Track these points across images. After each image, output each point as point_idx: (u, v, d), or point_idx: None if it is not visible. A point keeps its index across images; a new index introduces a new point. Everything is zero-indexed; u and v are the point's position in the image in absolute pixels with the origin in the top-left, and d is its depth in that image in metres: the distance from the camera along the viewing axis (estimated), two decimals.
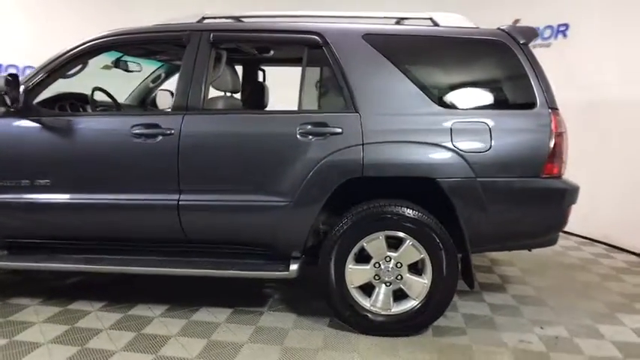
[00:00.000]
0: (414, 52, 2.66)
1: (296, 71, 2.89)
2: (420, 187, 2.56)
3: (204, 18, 2.80)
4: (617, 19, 4.45)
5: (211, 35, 2.67)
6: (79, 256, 2.77)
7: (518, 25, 2.76)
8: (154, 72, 4.04)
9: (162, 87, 4.15)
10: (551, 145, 2.49)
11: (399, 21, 2.87)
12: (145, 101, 4.08)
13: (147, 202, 2.63)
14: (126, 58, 3.50)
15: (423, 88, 2.57)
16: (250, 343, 2.52)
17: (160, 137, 2.58)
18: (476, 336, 2.66)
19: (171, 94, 4.16)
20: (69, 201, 2.66)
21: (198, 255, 2.79)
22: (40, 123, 2.67)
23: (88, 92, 3.31)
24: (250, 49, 3.25)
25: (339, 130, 2.52)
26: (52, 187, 2.65)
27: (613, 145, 4.45)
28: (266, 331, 2.67)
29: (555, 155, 2.50)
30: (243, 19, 2.93)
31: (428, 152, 2.49)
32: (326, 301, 2.67)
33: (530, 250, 2.95)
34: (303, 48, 2.69)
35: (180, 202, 2.60)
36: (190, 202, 2.61)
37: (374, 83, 2.57)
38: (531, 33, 2.64)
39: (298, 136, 2.53)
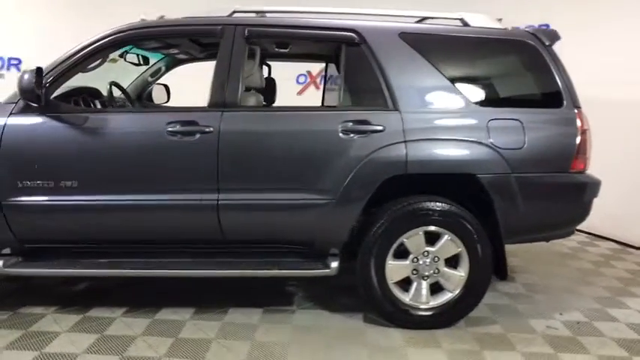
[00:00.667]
0: (448, 51, 2.72)
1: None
2: (457, 182, 2.63)
3: (234, 12, 2.71)
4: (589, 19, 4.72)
5: (246, 30, 2.60)
6: (101, 260, 2.62)
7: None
8: (152, 65, 3.88)
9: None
10: (578, 141, 2.64)
11: (422, 20, 2.92)
12: (140, 96, 3.90)
13: (184, 202, 2.53)
14: (135, 50, 3.33)
15: (459, 86, 2.64)
16: (295, 344, 2.50)
17: (198, 135, 2.49)
18: (507, 324, 2.78)
19: (167, 88, 4.07)
20: (98, 202, 2.50)
21: (225, 255, 2.72)
22: (63, 120, 2.50)
23: (96, 86, 3.13)
24: (273, 44, 3.18)
25: (381, 128, 2.54)
26: (79, 188, 2.48)
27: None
28: (304, 329, 2.66)
29: (581, 151, 2.65)
30: (268, 14, 2.87)
31: (468, 149, 2.56)
32: (365, 298, 2.69)
33: (547, 242, 3.11)
34: (339, 45, 2.69)
35: (219, 202, 2.52)
36: (230, 201, 2.53)
37: (412, 81, 2.61)
38: (554, 35, 2.77)
39: (340, 133, 2.53)
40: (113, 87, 3.15)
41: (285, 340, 2.53)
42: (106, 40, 2.57)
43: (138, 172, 2.53)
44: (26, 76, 2.28)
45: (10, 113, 2.47)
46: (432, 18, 2.85)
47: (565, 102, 2.68)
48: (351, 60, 2.66)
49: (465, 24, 2.79)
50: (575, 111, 2.67)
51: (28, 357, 2.28)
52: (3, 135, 2.45)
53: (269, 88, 3.57)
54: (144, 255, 2.68)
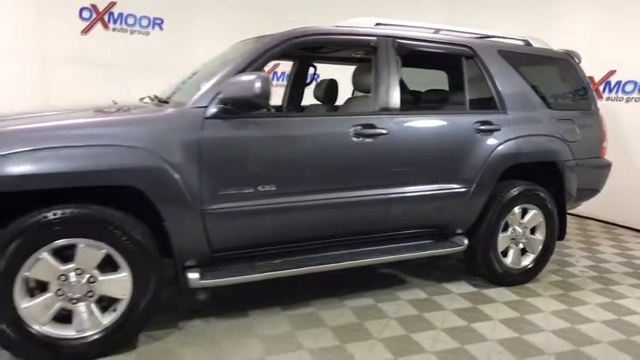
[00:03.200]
0: (527, 65, 3.44)
1: None
2: (540, 167, 3.40)
3: (378, 24, 2.98)
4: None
5: (395, 42, 2.92)
6: (275, 261, 2.68)
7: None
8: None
9: None
10: (602, 136, 3.67)
11: (486, 37, 3.58)
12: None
13: (365, 198, 2.74)
14: None
15: (537, 93, 3.40)
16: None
17: (377, 137, 2.74)
18: (562, 273, 3.71)
19: None
20: (294, 204, 2.54)
21: (371, 244, 3.01)
22: (260, 125, 2.47)
23: None
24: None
25: (499, 127, 3.15)
26: (277, 192, 2.50)
27: None
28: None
29: (604, 143, 3.69)
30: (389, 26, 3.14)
31: (552, 142, 3.35)
32: (483, 266, 3.29)
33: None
34: (458, 57, 3.20)
35: (390, 196, 2.83)
36: (398, 194, 2.85)
37: (512, 89, 3.27)
38: (579, 56, 3.75)
39: (475, 132, 3.06)
40: None
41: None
42: (284, 44, 2.59)
43: (329, 173, 2.65)
44: (258, 84, 2.23)
45: (205, 119, 2.35)
46: (504, 38, 3.53)
47: (592, 106, 3.68)
48: (470, 70, 3.19)
49: (528, 44, 3.57)
50: (599, 113, 3.69)
51: None
52: (202, 143, 2.33)
53: (332, 89, 3.82)
54: (308, 252, 2.80)
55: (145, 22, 5.83)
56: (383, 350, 2.46)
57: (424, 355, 2.44)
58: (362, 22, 2.96)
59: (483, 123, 3.11)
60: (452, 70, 3.71)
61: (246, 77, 2.27)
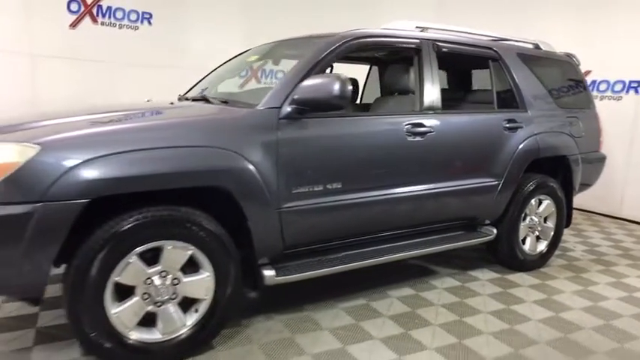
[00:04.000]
0: (539, 67, 3.71)
1: None
2: (551, 161, 3.70)
3: (417, 27, 3.13)
4: None
5: (435, 44, 3.08)
6: (337, 255, 2.78)
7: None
8: None
9: None
10: (599, 130, 4.04)
11: (501, 40, 3.80)
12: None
13: (416, 193, 2.89)
14: None
15: (550, 93, 3.69)
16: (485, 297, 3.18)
17: (426, 135, 2.89)
18: (566, 258, 4.05)
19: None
20: (355, 201, 2.64)
21: (406, 238, 3.17)
22: (328, 125, 2.55)
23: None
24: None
25: (522, 125, 3.40)
26: (342, 189, 2.59)
27: None
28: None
29: (601, 137, 4.06)
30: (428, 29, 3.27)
31: (563, 139, 3.66)
32: (506, 254, 3.55)
33: None
34: (485, 60, 3.41)
35: (436, 190, 2.99)
36: (442, 189, 3.02)
37: (530, 89, 3.54)
38: (578, 58, 4.09)
39: (504, 130, 3.29)
40: None
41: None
42: (343, 47, 2.67)
43: (387, 170, 2.77)
44: (337, 85, 2.30)
45: (279, 119, 2.40)
46: (516, 41, 3.79)
47: (591, 105, 4.03)
48: (495, 72, 3.42)
49: (537, 47, 3.85)
50: (596, 110, 4.05)
51: None
52: (278, 143, 2.38)
53: (355, 89, 3.92)
54: (360, 246, 2.92)
55: (133, 17, 5.65)
56: (445, 335, 2.63)
57: (482, 337, 2.63)
58: (404, 25, 3.10)
59: (510, 121, 3.34)
60: (480, 71, 3.91)
61: (325, 79, 2.34)
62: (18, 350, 2.31)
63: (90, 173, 1.91)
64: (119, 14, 5.56)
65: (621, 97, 5.46)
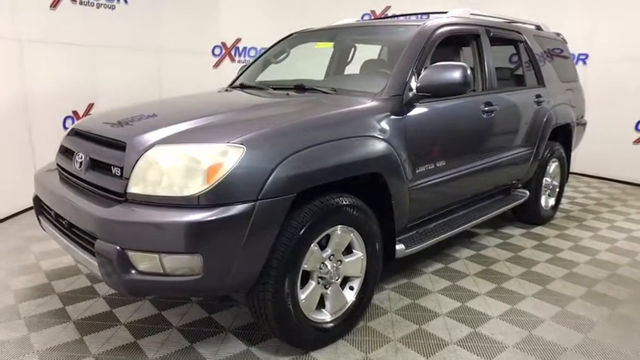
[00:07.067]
0: (547, 47, 4.24)
1: None
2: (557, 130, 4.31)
3: (472, 14, 3.43)
4: None
5: (487, 30, 3.42)
6: (438, 222, 3.13)
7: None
8: None
9: None
10: (583, 99, 4.75)
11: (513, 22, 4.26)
12: None
13: (488, 164, 3.28)
14: None
15: (555, 69, 4.26)
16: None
17: (492, 112, 3.26)
18: (561, 211, 4.75)
19: None
20: (454, 175, 2.94)
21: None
22: (437, 108, 2.81)
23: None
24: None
25: (544, 99, 3.92)
26: (445, 166, 2.86)
27: None
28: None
29: (584, 105, 4.78)
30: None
31: (567, 109, 4.27)
32: (533, 211, 4.11)
33: None
34: (515, 42, 3.84)
35: (498, 160, 3.40)
36: (502, 158, 3.44)
37: (545, 67, 4.06)
38: (564, 36, 4.72)
39: (535, 104, 3.79)
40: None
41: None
42: (435, 34, 2.89)
43: (472, 145, 3.15)
44: (459, 72, 2.53)
45: (404, 105, 2.59)
46: (522, 23, 4.26)
47: (577, 77, 4.70)
48: (523, 52, 3.87)
49: (539, 28, 4.37)
50: (581, 82, 4.74)
51: None
52: (407, 127, 2.58)
53: None
54: (444, 216, 3.26)
55: None
56: (533, 279, 3.09)
57: (557, 282, 3.13)
58: (461, 13, 3.38)
59: (537, 96, 3.84)
60: (511, 52, 4.31)
61: (449, 67, 2.56)
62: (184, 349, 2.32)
63: (294, 169, 1.99)
64: None
65: None
